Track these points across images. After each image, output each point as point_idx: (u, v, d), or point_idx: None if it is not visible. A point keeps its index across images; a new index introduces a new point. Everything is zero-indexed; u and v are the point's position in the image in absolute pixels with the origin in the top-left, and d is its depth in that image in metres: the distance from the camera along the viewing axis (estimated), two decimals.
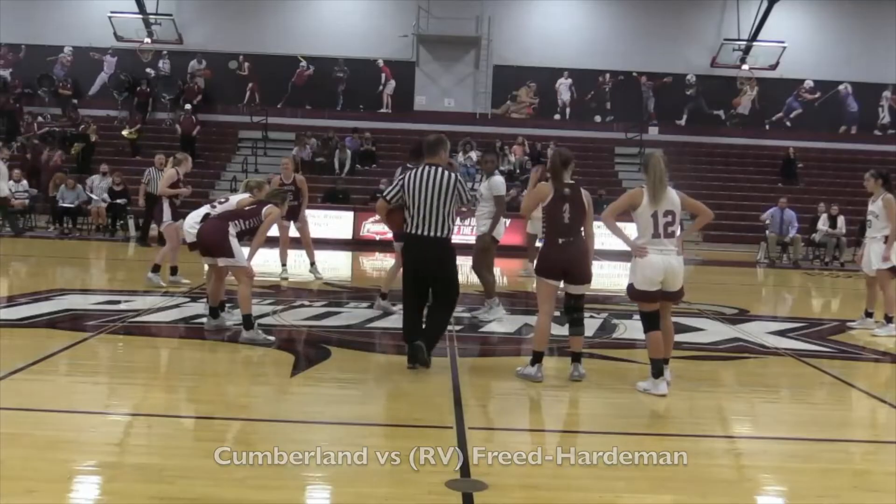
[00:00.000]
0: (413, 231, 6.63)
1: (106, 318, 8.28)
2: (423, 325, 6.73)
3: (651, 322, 6.18)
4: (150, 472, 4.19)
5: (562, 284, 6.44)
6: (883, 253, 9.10)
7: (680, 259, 6.20)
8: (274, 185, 11.63)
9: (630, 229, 6.26)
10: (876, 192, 9.33)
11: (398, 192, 6.67)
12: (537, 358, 6.38)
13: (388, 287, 9.26)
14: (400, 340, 6.94)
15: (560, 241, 6.31)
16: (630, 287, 6.23)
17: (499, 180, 9.16)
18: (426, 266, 6.66)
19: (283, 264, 12.07)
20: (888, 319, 9.15)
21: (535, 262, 6.42)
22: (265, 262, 13.13)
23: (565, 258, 6.32)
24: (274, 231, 9.11)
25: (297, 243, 12.28)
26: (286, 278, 11.88)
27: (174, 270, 10.81)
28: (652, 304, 6.17)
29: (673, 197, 6.14)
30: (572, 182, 6.44)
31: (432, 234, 6.58)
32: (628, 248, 6.27)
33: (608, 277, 13.98)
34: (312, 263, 12.14)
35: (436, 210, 6.56)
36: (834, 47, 27.34)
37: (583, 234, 6.41)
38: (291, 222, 11.85)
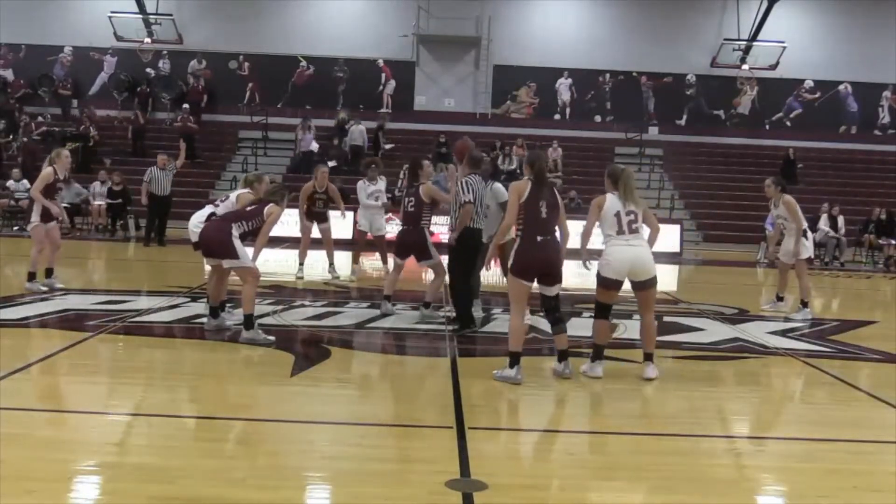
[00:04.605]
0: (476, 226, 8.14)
1: (106, 318, 8.28)
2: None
3: (602, 312, 6.62)
4: (150, 471, 4.19)
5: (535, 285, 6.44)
6: (792, 248, 10.13)
7: (648, 249, 6.54)
8: (306, 192, 12.07)
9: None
10: (775, 198, 10.26)
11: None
12: (515, 359, 6.29)
13: (391, 290, 9.25)
14: (400, 341, 6.93)
15: (538, 238, 6.28)
16: (598, 274, 6.58)
17: (501, 187, 9.10)
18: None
19: (301, 263, 12.35)
20: (804, 304, 10.14)
21: (511, 261, 6.38)
22: (285, 259, 13.24)
23: (543, 257, 6.31)
24: (283, 232, 9.10)
25: (315, 244, 12.66)
26: (301, 277, 12.08)
27: (31, 276, 9.78)
28: (611, 295, 6.59)
29: (636, 203, 6.57)
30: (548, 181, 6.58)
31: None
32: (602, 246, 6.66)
33: None
34: (331, 264, 12.48)
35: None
36: (834, 47, 27.34)
37: (557, 233, 6.49)
38: (315, 224, 12.33)
